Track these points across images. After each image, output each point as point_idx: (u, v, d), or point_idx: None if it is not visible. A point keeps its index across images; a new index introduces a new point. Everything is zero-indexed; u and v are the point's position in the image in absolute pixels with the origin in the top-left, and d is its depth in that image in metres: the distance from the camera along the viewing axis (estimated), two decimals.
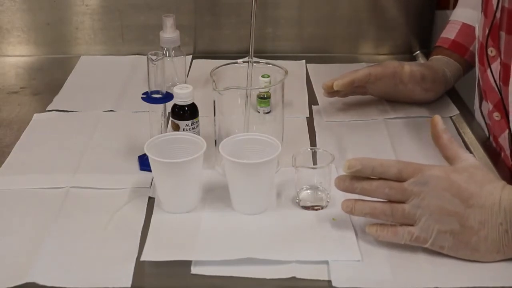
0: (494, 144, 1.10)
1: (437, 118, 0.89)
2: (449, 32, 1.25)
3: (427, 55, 1.44)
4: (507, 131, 1.03)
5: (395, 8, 1.49)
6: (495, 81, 1.01)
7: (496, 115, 1.05)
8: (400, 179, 0.82)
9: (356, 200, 0.85)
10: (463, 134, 1.14)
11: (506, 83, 0.98)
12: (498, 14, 0.98)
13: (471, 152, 1.08)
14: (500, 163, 1.06)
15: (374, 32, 1.51)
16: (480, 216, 0.80)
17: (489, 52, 1.01)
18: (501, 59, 0.99)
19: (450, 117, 1.20)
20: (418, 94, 1.19)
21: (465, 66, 1.24)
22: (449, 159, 0.86)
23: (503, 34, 0.98)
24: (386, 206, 0.83)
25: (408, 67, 1.17)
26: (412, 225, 0.82)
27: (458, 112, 1.21)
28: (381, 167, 0.82)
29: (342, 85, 1.14)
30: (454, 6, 1.31)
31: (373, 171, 0.83)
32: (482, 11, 1.05)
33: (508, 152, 1.04)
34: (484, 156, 1.07)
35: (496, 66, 1.01)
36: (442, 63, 1.22)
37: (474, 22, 1.14)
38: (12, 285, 0.79)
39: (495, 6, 0.98)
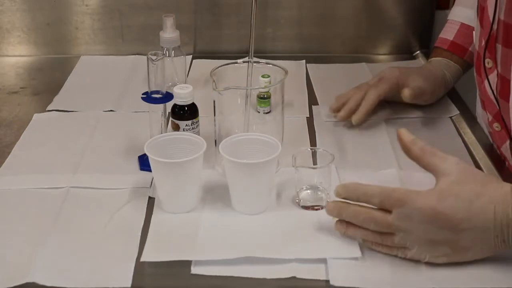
0: (497, 151, 1.09)
1: (401, 131, 0.85)
2: (448, 33, 1.25)
3: (427, 55, 1.44)
4: (508, 142, 1.03)
5: (395, 8, 1.49)
6: (493, 92, 1.01)
7: (496, 126, 1.05)
8: (384, 209, 0.81)
9: (347, 225, 0.84)
10: (463, 134, 1.14)
11: (503, 97, 0.98)
12: (495, 26, 0.98)
13: (470, 153, 1.08)
14: (500, 163, 1.06)
15: (374, 32, 1.51)
16: (473, 236, 0.79)
17: (486, 64, 1.01)
18: (498, 71, 0.99)
19: (450, 117, 1.20)
20: (420, 102, 1.19)
21: (465, 67, 1.24)
22: (428, 170, 0.83)
23: (499, 46, 0.98)
24: (376, 236, 0.83)
25: (407, 92, 1.15)
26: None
27: (458, 112, 1.21)
28: (364, 197, 0.82)
29: (360, 119, 1.15)
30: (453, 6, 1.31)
31: (358, 200, 0.83)
32: (478, 19, 1.05)
33: (511, 162, 1.04)
34: (484, 157, 1.07)
35: (493, 78, 1.00)
36: (442, 65, 1.22)
37: (472, 22, 1.14)
38: (12, 285, 0.79)
39: (492, 18, 0.98)
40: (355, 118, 1.14)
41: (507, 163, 1.06)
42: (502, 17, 0.96)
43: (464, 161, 0.82)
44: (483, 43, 1.01)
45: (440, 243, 0.80)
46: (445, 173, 0.80)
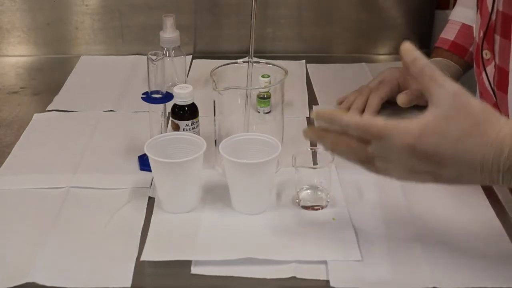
0: None
1: (405, 47, 0.74)
2: (449, 33, 1.25)
3: (427, 55, 1.43)
4: None
5: (395, 8, 1.49)
6: (490, 84, 1.01)
7: None
8: (363, 140, 0.75)
9: (332, 140, 0.78)
10: None
11: (501, 88, 0.98)
12: (493, 16, 0.98)
13: None
14: None
15: (374, 32, 1.51)
16: (457, 173, 0.72)
17: (484, 55, 1.01)
18: (495, 62, 0.99)
19: None
20: (421, 103, 1.19)
21: (465, 67, 1.24)
22: (424, 94, 0.74)
23: (497, 37, 0.98)
24: (358, 163, 0.77)
25: (403, 98, 1.10)
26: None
27: None
28: (342, 127, 0.75)
29: None
30: (454, 6, 1.31)
31: (340, 128, 0.76)
32: (477, 11, 1.05)
33: None
34: None
35: (490, 69, 1.01)
36: (442, 65, 1.22)
37: (473, 22, 1.14)
38: (12, 285, 0.79)
39: (490, 8, 0.98)
40: None
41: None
42: (500, 8, 0.96)
43: (464, 91, 0.72)
44: (481, 34, 1.01)
45: (422, 173, 0.74)
46: (437, 104, 0.72)
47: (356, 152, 0.76)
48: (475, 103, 0.72)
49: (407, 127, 0.72)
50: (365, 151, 0.75)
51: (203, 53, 1.50)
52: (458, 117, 0.71)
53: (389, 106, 1.21)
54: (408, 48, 0.73)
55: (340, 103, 1.22)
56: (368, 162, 0.76)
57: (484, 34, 1.00)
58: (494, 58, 0.99)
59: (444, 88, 0.72)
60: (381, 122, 0.73)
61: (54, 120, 1.20)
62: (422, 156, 0.72)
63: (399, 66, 1.25)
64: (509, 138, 0.70)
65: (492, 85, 1.00)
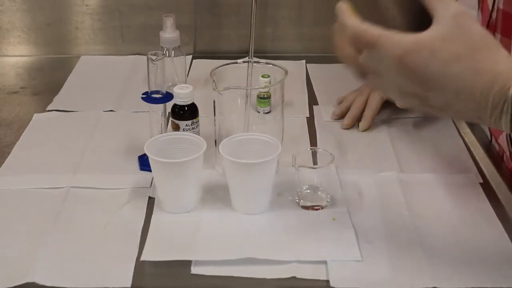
0: (496, 146, 1.09)
1: None
2: None
3: None
4: (505, 133, 1.03)
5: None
6: None
7: None
8: (357, 47, 0.73)
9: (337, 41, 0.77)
10: (463, 134, 1.14)
11: None
12: (494, 15, 0.98)
13: (470, 153, 1.08)
14: (500, 163, 1.06)
15: None
16: (444, 100, 0.69)
17: None
18: None
19: None
20: None
21: None
22: (430, 11, 0.70)
23: (498, 35, 0.98)
24: (353, 71, 0.75)
25: None
26: None
27: None
28: (341, 26, 0.74)
29: (368, 126, 1.15)
30: None
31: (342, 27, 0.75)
32: (479, 10, 1.05)
33: (508, 153, 1.04)
34: (484, 157, 1.07)
35: None
36: None
37: None
38: (12, 285, 0.79)
39: (491, 6, 0.98)
40: (362, 125, 1.15)
41: (504, 155, 1.06)
42: (501, 6, 0.96)
43: (469, 14, 0.68)
44: None
45: (409, 95, 0.71)
46: (437, 22, 0.68)
47: (349, 59, 0.74)
48: (477, 29, 0.68)
49: (400, 39, 0.68)
50: (356, 60, 0.72)
51: (203, 53, 1.50)
52: (453, 39, 0.67)
53: (389, 106, 1.21)
54: None
55: (340, 102, 1.22)
56: (362, 75, 0.74)
57: None
58: None
59: (447, 8, 0.68)
60: (377, 31, 0.70)
61: (54, 120, 1.20)
62: (409, 72, 0.68)
63: None
64: (506, 74, 0.65)
65: None
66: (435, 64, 0.66)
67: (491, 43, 0.68)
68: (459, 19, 0.67)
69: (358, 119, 1.16)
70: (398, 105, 0.73)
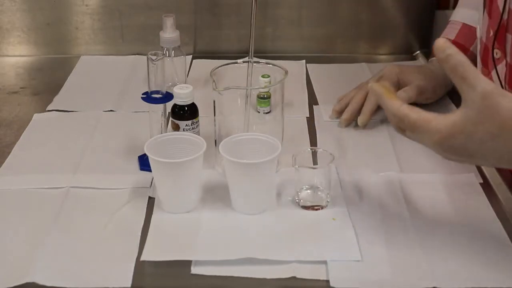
0: None
1: (439, 43, 0.74)
2: (450, 33, 1.25)
3: (427, 55, 1.44)
4: None
5: (395, 8, 1.49)
6: (500, 82, 1.01)
7: None
8: (400, 126, 0.79)
9: None
10: None
11: None
12: (505, 16, 0.97)
13: None
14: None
15: (374, 32, 1.51)
16: (487, 163, 0.80)
17: (494, 54, 1.01)
18: (507, 61, 0.99)
19: None
20: (420, 101, 1.19)
21: None
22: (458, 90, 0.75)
23: (509, 36, 0.98)
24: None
25: (404, 94, 1.14)
26: None
27: None
28: (385, 110, 0.79)
29: (366, 120, 1.16)
30: (454, 6, 1.31)
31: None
32: (484, 11, 1.05)
33: None
34: None
35: (501, 68, 1.00)
36: None
37: (474, 23, 1.14)
38: (12, 285, 0.79)
39: (502, 8, 0.98)
40: (360, 119, 1.15)
41: None
42: None
43: (496, 91, 0.72)
44: (492, 33, 1.00)
45: (457, 160, 0.78)
46: (466, 105, 0.73)
47: (397, 130, 0.80)
48: (505, 106, 0.71)
49: (436, 126, 0.74)
50: (403, 134, 0.79)
51: (203, 53, 1.50)
52: (484, 121, 0.72)
53: None
54: (441, 45, 0.73)
55: (341, 100, 1.22)
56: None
57: (496, 33, 1.00)
58: (505, 57, 0.99)
59: (474, 90, 0.71)
60: (414, 116, 0.76)
61: (54, 120, 1.20)
62: (450, 151, 0.75)
63: (399, 63, 1.25)
64: None
65: (503, 83, 1.00)
66: (472, 145, 0.73)
67: None
68: (486, 100, 0.71)
69: (357, 114, 1.16)
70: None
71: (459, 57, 0.73)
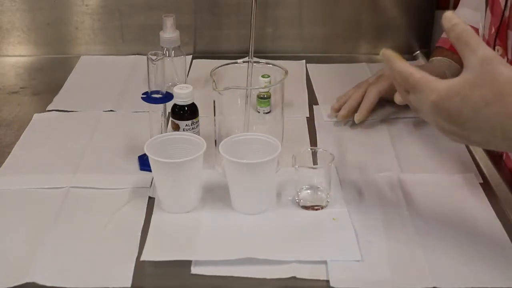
0: None
1: (447, 15, 0.75)
2: None
3: (427, 55, 1.44)
4: None
5: (395, 8, 1.49)
6: None
7: None
8: (405, 88, 0.79)
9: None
10: None
11: None
12: (506, 13, 0.98)
13: (470, 153, 1.08)
14: (500, 163, 1.06)
15: (374, 32, 1.51)
16: (481, 136, 0.75)
17: (496, 51, 1.01)
18: (508, 58, 0.99)
19: None
20: None
21: None
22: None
23: (511, 33, 0.98)
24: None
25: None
26: None
27: None
28: (393, 71, 0.79)
29: (363, 117, 1.16)
30: (455, 6, 1.31)
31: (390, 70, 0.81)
32: (487, 8, 1.05)
33: (510, 153, 1.04)
34: (484, 157, 1.07)
35: None
36: (443, 64, 1.22)
37: (475, 23, 1.14)
38: (12, 285, 0.79)
39: (503, 5, 0.98)
40: (357, 117, 1.15)
41: (504, 154, 1.06)
42: None
43: (496, 58, 0.72)
44: (493, 30, 1.01)
45: (449, 132, 0.77)
46: (467, 69, 0.73)
47: (401, 96, 0.81)
48: (504, 72, 0.71)
49: (436, 85, 0.74)
50: (406, 98, 0.80)
51: (203, 53, 1.50)
52: (482, 85, 0.71)
53: (389, 105, 1.22)
54: (448, 15, 0.75)
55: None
56: (415, 110, 0.80)
57: (497, 30, 1.00)
58: (506, 53, 0.99)
59: (475, 54, 0.72)
60: (418, 75, 0.76)
61: (54, 120, 1.20)
62: (445, 115, 0.74)
63: None
64: None
65: None
66: (467, 109, 0.72)
67: None
68: (486, 64, 0.71)
69: (355, 111, 1.16)
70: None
71: (464, 26, 0.74)
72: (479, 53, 0.72)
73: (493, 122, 0.72)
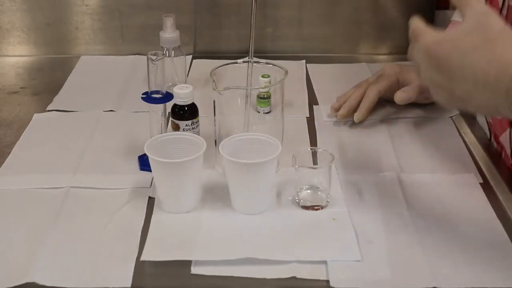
0: (495, 144, 1.10)
1: None
2: None
3: None
4: (508, 130, 1.03)
5: (395, 8, 1.49)
6: None
7: None
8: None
9: None
10: (463, 134, 1.14)
11: None
12: (504, 12, 0.98)
13: (470, 153, 1.08)
14: (500, 163, 1.06)
15: (374, 32, 1.51)
16: (465, 88, 0.73)
17: None
18: None
19: (450, 117, 1.20)
20: (420, 101, 1.19)
21: None
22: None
23: None
24: None
25: (400, 96, 1.13)
26: None
27: (458, 112, 1.21)
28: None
29: (362, 116, 1.16)
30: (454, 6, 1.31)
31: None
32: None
33: (508, 151, 1.04)
34: (484, 157, 1.07)
35: None
36: None
37: None
38: (12, 285, 0.79)
39: (501, 4, 0.98)
40: (356, 116, 1.15)
41: (503, 153, 1.06)
42: (511, 3, 0.96)
43: (493, 13, 0.74)
44: None
45: (438, 86, 0.76)
46: (463, 19, 0.76)
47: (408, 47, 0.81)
48: (496, 23, 0.74)
49: (432, 31, 0.77)
50: (410, 48, 0.80)
51: (203, 53, 1.50)
52: (473, 32, 0.73)
53: (389, 105, 1.22)
54: None
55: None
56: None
57: None
58: None
59: (473, 9, 0.75)
60: (422, 24, 0.78)
61: (54, 120, 1.20)
62: (435, 63, 0.75)
63: (399, 63, 1.25)
64: None
65: None
66: (455, 54, 0.73)
67: (509, 36, 0.73)
68: (481, 16, 0.74)
69: (354, 110, 1.16)
70: (435, 99, 0.79)
71: None
72: (478, 8, 0.75)
73: (477, 68, 0.71)
